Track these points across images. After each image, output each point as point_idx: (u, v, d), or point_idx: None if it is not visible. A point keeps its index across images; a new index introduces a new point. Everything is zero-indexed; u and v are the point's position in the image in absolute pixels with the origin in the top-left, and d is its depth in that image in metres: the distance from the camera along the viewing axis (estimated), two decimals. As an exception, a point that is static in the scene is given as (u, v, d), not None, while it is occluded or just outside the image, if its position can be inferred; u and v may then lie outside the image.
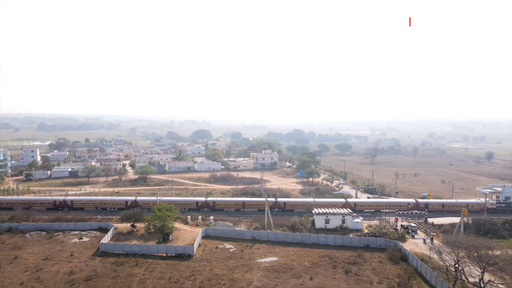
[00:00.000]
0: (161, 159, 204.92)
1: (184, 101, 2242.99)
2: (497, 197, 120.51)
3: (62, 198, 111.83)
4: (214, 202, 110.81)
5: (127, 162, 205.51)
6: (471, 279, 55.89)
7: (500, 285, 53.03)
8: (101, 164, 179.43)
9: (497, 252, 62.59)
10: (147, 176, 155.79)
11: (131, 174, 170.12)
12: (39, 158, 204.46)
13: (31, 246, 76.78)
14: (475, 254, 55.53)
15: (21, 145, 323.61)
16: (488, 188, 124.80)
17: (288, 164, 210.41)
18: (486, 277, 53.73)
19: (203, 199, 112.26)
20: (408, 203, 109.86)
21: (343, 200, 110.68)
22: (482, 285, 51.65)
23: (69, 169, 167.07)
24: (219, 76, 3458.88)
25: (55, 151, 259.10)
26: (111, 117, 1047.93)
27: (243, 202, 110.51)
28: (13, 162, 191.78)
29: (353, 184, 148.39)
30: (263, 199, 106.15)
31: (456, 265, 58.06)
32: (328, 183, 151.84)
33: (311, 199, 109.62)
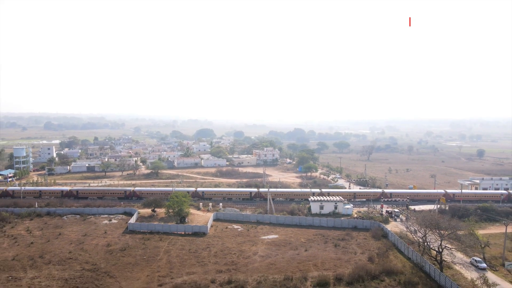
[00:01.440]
0: (169, 156, 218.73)
1: (185, 101, 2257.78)
2: (476, 188, 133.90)
3: (193, 189, 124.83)
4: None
5: (137, 158, 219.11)
6: (432, 246, 69.56)
7: (453, 249, 66.82)
8: (115, 160, 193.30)
9: (463, 232, 75.97)
10: (159, 171, 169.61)
11: (143, 169, 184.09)
12: (54, 155, 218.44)
13: (70, 226, 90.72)
14: (436, 228, 69.07)
15: (32, 144, 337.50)
16: (468, 180, 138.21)
17: (288, 160, 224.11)
18: (444, 243, 67.06)
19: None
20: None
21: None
22: (440, 250, 65.14)
23: (86, 165, 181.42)
24: (221, 76, 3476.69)
25: (66, 149, 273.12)
26: (113, 116, 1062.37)
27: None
28: (31, 159, 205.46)
29: (347, 178, 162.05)
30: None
31: (423, 237, 71.55)
32: (324, 177, 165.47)
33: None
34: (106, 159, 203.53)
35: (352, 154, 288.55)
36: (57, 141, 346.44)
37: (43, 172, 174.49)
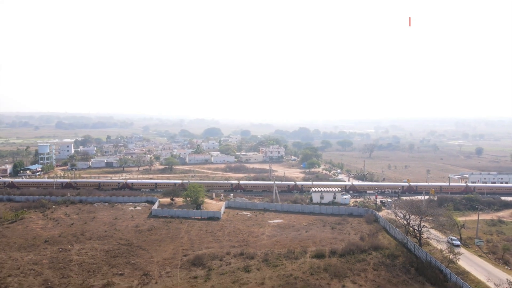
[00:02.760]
0: (181, 153, 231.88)
1: (192, 100, 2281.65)
2: (465, 182, 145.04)
3: (293, 183, 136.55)
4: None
5: (151, 155, 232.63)
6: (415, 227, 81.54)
7: (430, 228, 78.78)
8: (131, 156, 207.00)
9: (444, 218, 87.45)
10: (172, 166, 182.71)
11: (157, 165, 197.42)
12: (73, 152, 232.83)
13: (101, 211, 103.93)
14: (417, 212, 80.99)
15: (47, 142, 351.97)
16: (458, 175, 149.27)
17: (293, 157, 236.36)
18: (424, 224, 78.98)
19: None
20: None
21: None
22: (420, 229, 77.13)
23: (105, 161, 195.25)
24: (227, 76, 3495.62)
25: (81, 147, 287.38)
26: (121, 115, 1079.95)
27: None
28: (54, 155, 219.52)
29: (347, 173, 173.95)
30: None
31: (407, 220, 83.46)
32: (326, 172, 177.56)
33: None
34: (122, 156, 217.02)
35: (355, 152, 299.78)
36: (70, 140, 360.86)
37: (65, 167, 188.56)
